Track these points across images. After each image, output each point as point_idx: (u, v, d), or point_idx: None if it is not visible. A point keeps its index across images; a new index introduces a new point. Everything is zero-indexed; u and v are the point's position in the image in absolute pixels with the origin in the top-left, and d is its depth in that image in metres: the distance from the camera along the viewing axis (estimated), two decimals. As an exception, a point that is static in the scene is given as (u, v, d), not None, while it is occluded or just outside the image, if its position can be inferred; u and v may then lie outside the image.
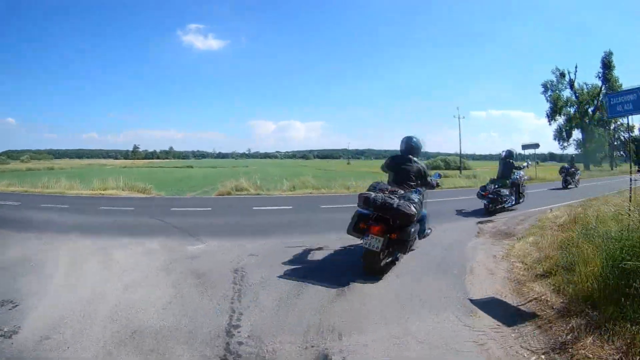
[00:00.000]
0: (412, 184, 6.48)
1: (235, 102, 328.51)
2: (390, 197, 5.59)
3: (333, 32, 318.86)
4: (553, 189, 21.43)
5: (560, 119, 57.63)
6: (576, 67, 55.29)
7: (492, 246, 8.05)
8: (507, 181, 12.66)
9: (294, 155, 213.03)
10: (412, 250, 6.64)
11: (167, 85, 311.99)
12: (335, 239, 8.15)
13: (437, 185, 7.42)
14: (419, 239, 6.73)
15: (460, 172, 51.29)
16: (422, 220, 6.52)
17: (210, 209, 13.95)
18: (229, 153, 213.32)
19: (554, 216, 10.87)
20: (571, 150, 59.58)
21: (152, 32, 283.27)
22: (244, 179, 20.06)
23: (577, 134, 57.55)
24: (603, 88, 54.03)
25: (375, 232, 5.41)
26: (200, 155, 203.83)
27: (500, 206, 12.17)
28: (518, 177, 13.02)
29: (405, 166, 6.60)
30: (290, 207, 13.96)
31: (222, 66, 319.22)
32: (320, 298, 4.79)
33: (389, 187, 6.18)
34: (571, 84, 55.44)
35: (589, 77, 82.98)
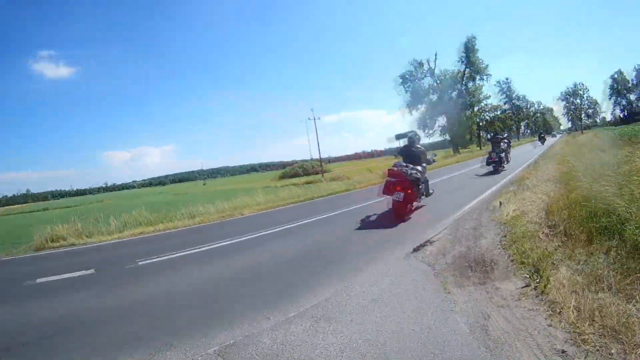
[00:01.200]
0: (418, 161, 10.21)
1: (89, 135, 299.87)
2: (405, 168, 9.42)
3: (175, 52, 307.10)
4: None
5: (422, 108, 57.31)
6: (436, 55, 55.69)
7: (505, 312, 3.76)
8: (501, 148, 18.79)
9: (150, 182, 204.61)
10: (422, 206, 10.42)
11: (19, 121, 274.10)
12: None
13: (434, 161, 11.57)
14: (426, 197, 10.62)
15: (322, 176, 48.47)
16: (425, 183, 10.43)
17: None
18: (86, 189, 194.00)
19: (519, 211, 7.68)
20: (436, 137, 60.21)
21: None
22: (62, 225, 13.66)
23: (441, 121, 57.86)
24: (467, 71, 55.25)
25: (399, 190, 8.97)
26: (58, 194, 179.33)
27: (502, 165, 17.97)
28: (504, 146, 19.44)
29: (412, 151, 10.43)
30: (91, 270, 7.86)
31: (72, 96, 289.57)
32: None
33: (404, 164, 9.85)
34: (431, 72, 55.63)
35: (448, 63, 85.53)
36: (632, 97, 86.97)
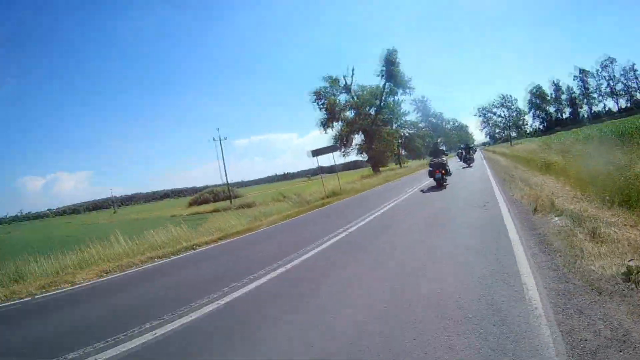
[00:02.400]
0: (440, 156, 16.70)
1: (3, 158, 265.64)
2: (436, 160, 16.29)
3: (87, 68, 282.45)
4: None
5: (338, 125, 52.61)
6: (353, 71, 51.63)
7: None
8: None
9: (64, 211, 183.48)
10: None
11: None
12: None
13: (447, 154, 18.13)
14: (449, 175, 16.68)
15: (231, 202, 42.81)
16: (448, 167, 16.58)
17: None
18: (1, 217, 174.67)
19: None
20: (353, 156, 56.46)
21: None
22: None
23: (358, 139, 54.10)
24: (387, 86, 51.78)
25: (437, 172, 15.79)
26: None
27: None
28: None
29: (439, 150, 17.13)
30: None
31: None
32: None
33: (436, 159, 16.39)
34: (348, 88, 51.52)
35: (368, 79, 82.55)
36: (551, 109, 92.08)
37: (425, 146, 54.33)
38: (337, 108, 50.88)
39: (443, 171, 15.74)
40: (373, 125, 50.46)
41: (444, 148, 18.40)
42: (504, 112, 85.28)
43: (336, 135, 51.82)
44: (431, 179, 16.42)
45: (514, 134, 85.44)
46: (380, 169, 51.30)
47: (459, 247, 5.74)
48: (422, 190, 15.54)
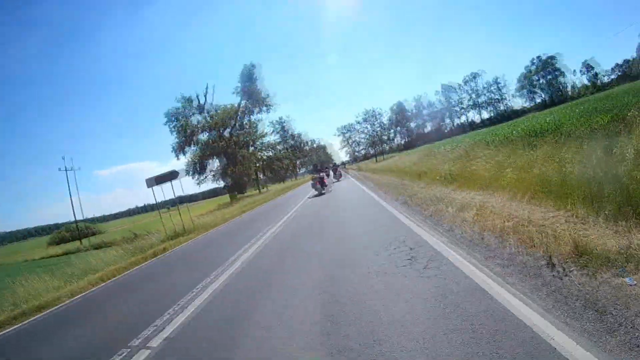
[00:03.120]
0: (325, 170, 34.31)
1: None
2: (319, 174, 24.19)
3: None
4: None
5: (196, 149, 48.39)
6: (214, 88, 49.11)
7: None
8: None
9: None
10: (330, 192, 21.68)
11: None
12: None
13: (328, 168, 39.69)
14: (329, 185, 25.52)
15: (89, 241, 37.59)
16: (327, 179, 26.52)
17: None
18: None
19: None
20: (210, 184, 53.54)
21: None
22: None
23: (215, 163, 50.32)
24: (244, 104, 48.72)
25: (318, 184, 22.48)
26: None
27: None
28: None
29: (321, 167, 35.19)
30: None
31: None
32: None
33: (319, 174, 24.54)
34: (203, 108, 47.11)
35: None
36: (413, 124, 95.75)
37: (290, 169, 59.10)
38: (190, 130, 46.71)
39: (324, 182, 23.06)
40: (231, 147, 47.17)
41: (325, 167, 31.79)
42: (369, 127, 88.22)
43: (191, 160, 47.70)
44: (314, 190, 22.83)
45: (379, 150, 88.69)
46: (241, 194, 48.14)
47: None
48: (310, 198, 20.79)
